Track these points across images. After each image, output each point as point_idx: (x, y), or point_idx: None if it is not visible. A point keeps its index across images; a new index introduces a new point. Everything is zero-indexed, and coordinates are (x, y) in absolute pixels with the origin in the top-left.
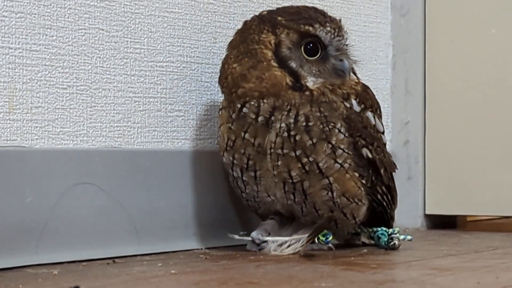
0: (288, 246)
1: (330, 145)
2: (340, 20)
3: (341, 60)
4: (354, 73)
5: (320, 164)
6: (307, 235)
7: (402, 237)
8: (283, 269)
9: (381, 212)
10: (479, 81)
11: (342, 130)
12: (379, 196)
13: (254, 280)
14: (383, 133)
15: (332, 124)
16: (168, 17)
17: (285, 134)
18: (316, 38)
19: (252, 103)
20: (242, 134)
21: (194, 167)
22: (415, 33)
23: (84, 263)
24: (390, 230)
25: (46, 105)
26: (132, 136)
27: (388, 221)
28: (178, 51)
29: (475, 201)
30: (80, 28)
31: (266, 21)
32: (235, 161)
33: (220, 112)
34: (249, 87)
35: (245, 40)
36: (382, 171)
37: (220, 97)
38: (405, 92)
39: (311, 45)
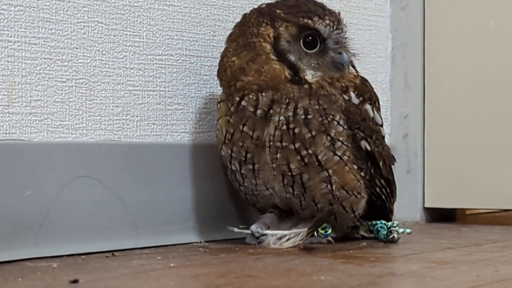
0: (288, 239)
1: (329, 138)
2: (339, 13)
3: (340, 53)
4: (353, 66)
5: (319, 157)
6: (306, 228)
7: (401, 230)
8: (282, 262)
9: (380, 205)
10: (479, 75)
11: (341, 123)
12: (378, 189)
13: (253, 273)
14: (382, 125)
15: (331, 116)
16: (167, 10)
17: (284, 127)
18: (315, 31)
19: (251, 96)
20: (241, 127)
21: (193, 160)
22: (415, 26)
23: (83, 256)
24: (389, 223)
25: (45, 98)
26: (131, 129)
27: (387, 214)
28: (177, 44)
29: (474, 194)
30: (79, 21)
31: (265, 14)
32: (233, 154)
33: (219, 105)
34: (248, 80)
35: (244, 34)
36: (381, 163)
37: (219, 90)
38: (404, 85)
39: (310, 38)
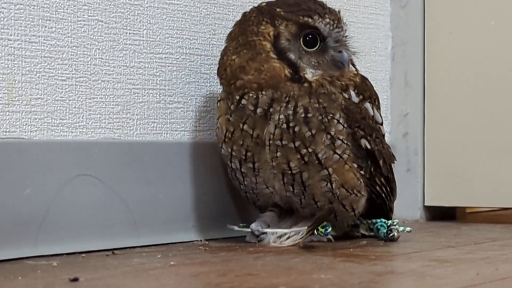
0: (288, 238)
1: (329, 136)
2: (339, 12)
3: (340, 51)
4: (353, 65)
5: (319, 155)
6: (306, 227)
7: (401, 228)
8: (282, 260)
9: (380, 203)
10: (479, 73)
11: (341, 121)
12: (378, 188)
13: (254, 271)
14: (381, 124)
15: (331, 115)
16: (167, 9)
17: (284, 125)
18: (315, 30)
19: (251, 95)
20: (241, 125)
21: (193, 159)
22: (415, 24)
23: (83, 255)
24: (389, 221)
25: (45, 96)
26: (131, 128)
27: (387, 213)
28: (177, 42)
29: (474, 192)
30: (79, 19)
31: (265, 12)
32: (233, 153)
33: (219, 103)
34: (248, 79)
35: (244, 32)
36: (381, 162)
37: (219, 89)
38: (404, 84)
39: (310, 36)
